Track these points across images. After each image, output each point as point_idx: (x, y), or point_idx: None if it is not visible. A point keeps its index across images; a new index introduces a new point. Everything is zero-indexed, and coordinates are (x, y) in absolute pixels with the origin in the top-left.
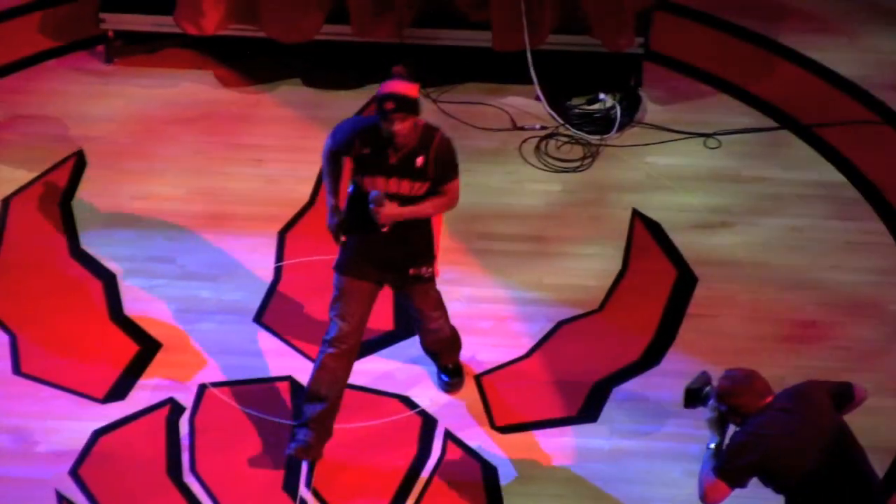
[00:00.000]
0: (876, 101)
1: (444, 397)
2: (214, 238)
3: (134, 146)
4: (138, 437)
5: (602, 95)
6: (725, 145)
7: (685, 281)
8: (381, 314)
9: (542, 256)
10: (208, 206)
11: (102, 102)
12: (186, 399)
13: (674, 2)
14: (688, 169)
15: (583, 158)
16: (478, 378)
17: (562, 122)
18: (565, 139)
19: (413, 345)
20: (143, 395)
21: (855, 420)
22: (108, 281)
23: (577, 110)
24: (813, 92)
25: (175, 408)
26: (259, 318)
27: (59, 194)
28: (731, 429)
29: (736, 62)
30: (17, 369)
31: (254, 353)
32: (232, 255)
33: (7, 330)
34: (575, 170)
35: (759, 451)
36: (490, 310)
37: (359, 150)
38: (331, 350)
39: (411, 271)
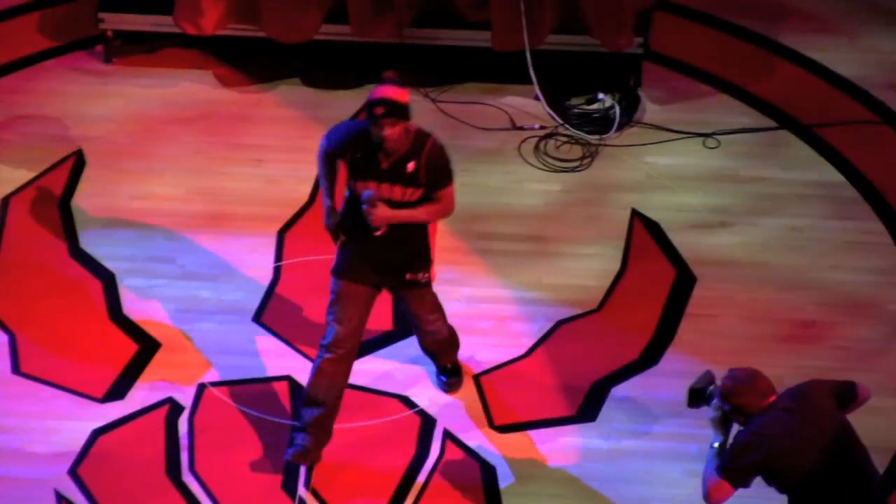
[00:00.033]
0: (875, 101)
1: (443, 397)
2: (214, 238)
3: (133, 146)
4: (137, 436)
5: (601, 95)
6: (725, 145)
7: (684, 281)
8: (380, 314)
9: (541, 256)
10: (207, 205)
11: (101, 102)
12: (185, 399)
13: (673, 2)
14: (687, 169)
15: (582, 158)
16: (477, 378)
17: (561, 121)
18: (564, 139)
19: (412, 345)
20: (142, 394)
21: (853, 420)
22: (108, 281)
23: (576, 110)
24: (812, 92)
25: (174, 407)
26: (258, 318)
27: (58, 194)
28: (735, 428)
29: (735, 62)
30: (16, 369)
31: (253, 353)
32: (231, 255)
33: (6, 330)
34: (574, 170)
35: (763, 451)
36: (489, 309)
37: (351, 154)
38: (328, 355)
39: (408, 276)
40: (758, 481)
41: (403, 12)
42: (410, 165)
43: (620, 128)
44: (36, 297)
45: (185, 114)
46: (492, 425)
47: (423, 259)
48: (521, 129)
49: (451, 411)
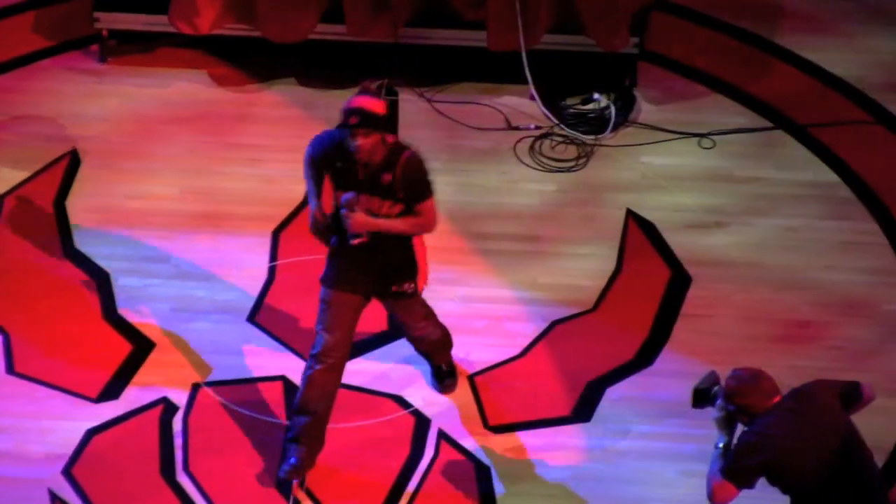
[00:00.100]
0: (870, 102)
1: (438, 397)
2: (209, 238)
3: (128, 146)
4: (132, 436)
5: (596, 95)
6: (720, 145)
7: (679, 281)
8: (375, 315)
9: (536, 256)
10: (202, 205)
11: (96, 102)
12: (180, 398)
13: (669, 2)
14: (682, 169)
15: (577, 158)
16: (471, 378)
17: (556, 121)
18: (560, 139)
19: (406, 345)
20: (136, 394)
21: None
22: (102, 280)
23: (571, 110)
24: (807, 92)
25: (168, 407)
26: (253, 318)
27: (52, 194)
28: (740, 428)
29: (731, 62)
30: (10, 369)
31: (247, 353)
32: (226, 255)
33: (0, 329)
34: (569, 170)
35: (767, 451)
36: (484, 309)
37: (332, 162)
38: (318, 366)
39: (393, 288)
40: (761, 482)
41: (399, 12)
42: (386, 177)
43: (616, 128)
44: (30, 297)
45: (180, 113)
46: (486, 425)
47: (407, 270)
48: (517, 128)
49: (446, 412)
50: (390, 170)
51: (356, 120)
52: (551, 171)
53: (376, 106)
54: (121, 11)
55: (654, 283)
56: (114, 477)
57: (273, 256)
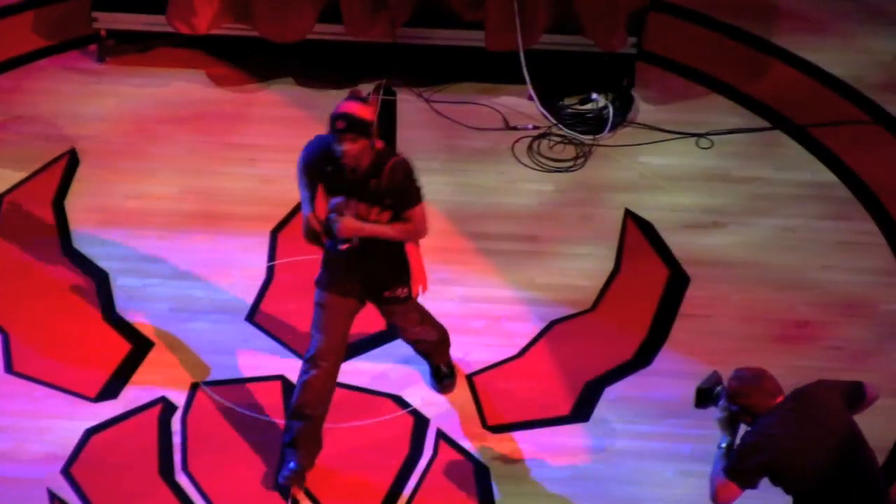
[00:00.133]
0: (868, 102)
1: (437, 397)
2: (207, 237)
3: (127, 145)
4: (130, 436)
5: (594, 95)
6: (718, 145)
7: (677, 281)
8: (374, 314)
9: (534, 256)
10: (201, 205)
11: (95, 101)
12: (178, 398)
13: (667, 2)
14: (680, 169)
15: (575, 158)
16: (470, 378)
17: (554, 121)
18: (558, 139)
19: (405, 345)
20: (135, 394)
21: None
22: (101, 280)
23: (569, 110)
24: (805, 92)
25: (167, 407)
26: (251, 318)
27: (51, 193)
28: (743, 429)
29: (729, 62)
30: (9, 368)
31: (246, 353)
32: (225, 255)
33: None
34: (567, 170)
35: (770, 452)
36: (482, 309)
37: (323, 166)
38: (313, 371)
39: (386, 293)
40: (764, 482)
41: (397, 12)
42: (372, 183)
43: (614, 128)
44: (29, 297)
45: (179, 113)
46: (485, 425)
47: (399, 275)
48: (515, 128)
49: (445, 411)
50: (376, 177)
51: (343, 125)
52: (549, 171)
53: (364, 112)
54: (119, 11)
55: (652, 283)
56: (113, 476)
57: (271, 256)
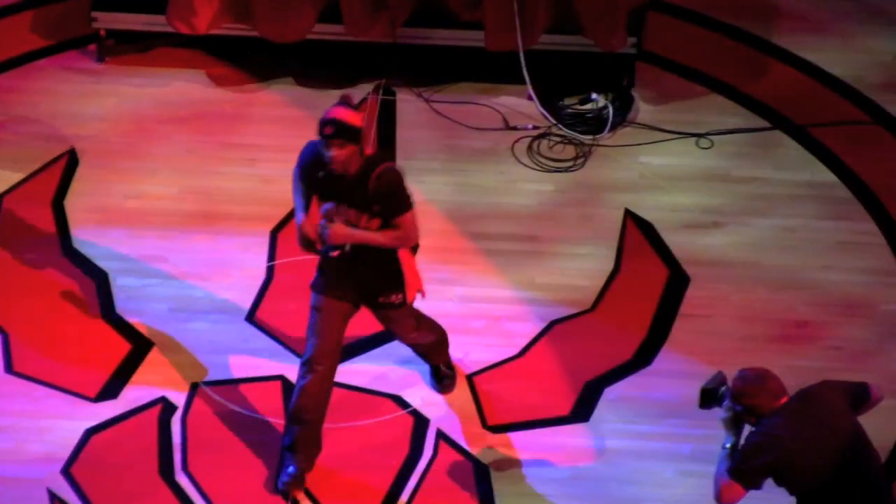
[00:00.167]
0: (868, 102)
1: (436, 397)
2: (207, 237)
3: (126, 145)
4: (130, 436)
5: (594, 95)
6: (718, 145)
7: (677, 281)
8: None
9: (534, 256)
10: (201, 205)
11: (94, 101)
12: (178, 398)
13: (667, 2)
14: (680, 169)
15: (575, 158)
16: (470, 378)
17: (554, 121)
18: (558, 139)
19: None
20: (135, 394)
21: None
22: (101, 280)
23: (569, 110)
24: (805, 92)
25: (167, 407)
26: (251, 318)
27: (51, 193)
28: (747, 429)
29: (729, 62)
30: (9, 368)
31: (246, 353)
32: (224, 255)
33: None
34: (567, 170)
35: (774, 452)
36: (482, 309)
37: (314, 172)
38: (310, 376)
39: (380, 299)
40: (768, 482)
41: (397, 12)
42: (361, 190)
43: (614, 128)
44: (29, 297)
45: (178, 113)
46: (485, 425)
47: (392, 281)
48: (515, 128)
49: (445, 411)
50: (364, 183)
51: (331, 130)
52: (549, 171)
53: (353, 118)
54: (119, 11)
55: (652, 283)
56: (112, 476)
57: (271, 256)
